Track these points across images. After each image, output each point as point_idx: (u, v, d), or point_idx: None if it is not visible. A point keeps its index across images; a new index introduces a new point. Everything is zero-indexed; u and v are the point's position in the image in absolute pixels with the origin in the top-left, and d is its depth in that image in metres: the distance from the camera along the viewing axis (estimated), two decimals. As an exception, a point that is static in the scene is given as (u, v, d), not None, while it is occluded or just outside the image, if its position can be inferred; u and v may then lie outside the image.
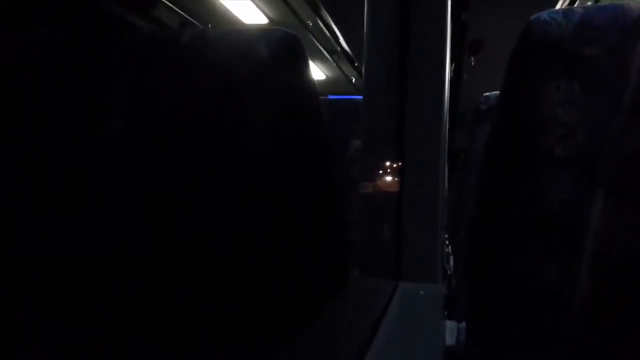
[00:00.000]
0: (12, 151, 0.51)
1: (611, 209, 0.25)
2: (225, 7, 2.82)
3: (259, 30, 0.60)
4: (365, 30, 0.71)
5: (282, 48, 0.56)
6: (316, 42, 3.07)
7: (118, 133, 0.57)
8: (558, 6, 2.41)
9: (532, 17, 0.54)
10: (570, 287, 0.43)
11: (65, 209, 0.52)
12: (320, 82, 3.58)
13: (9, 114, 0.51)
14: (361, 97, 0.78)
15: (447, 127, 0.71)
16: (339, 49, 3.21)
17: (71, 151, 0.55)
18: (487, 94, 1.11)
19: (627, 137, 0.24)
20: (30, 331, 0.44)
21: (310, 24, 2.86)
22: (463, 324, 0.69)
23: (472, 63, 2.86)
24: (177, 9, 2.47)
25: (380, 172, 0.68)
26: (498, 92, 0.62)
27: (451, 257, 1.36)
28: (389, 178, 0.66)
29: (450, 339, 0.70)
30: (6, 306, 0.43)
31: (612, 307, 0.25)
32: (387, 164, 0.68)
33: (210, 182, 0.56)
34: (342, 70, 3.74)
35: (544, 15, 0.54)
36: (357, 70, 3.66)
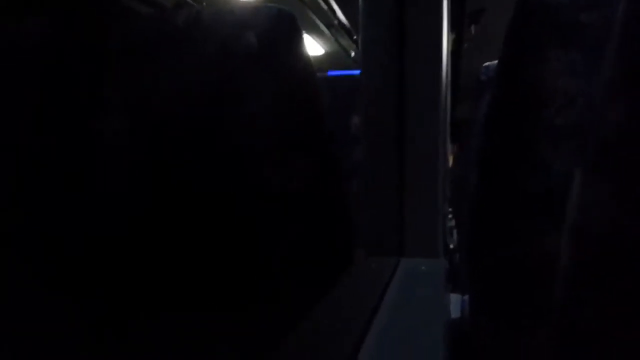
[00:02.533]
0: (10, 144, 0.51)
1: (587, 184, 0.25)
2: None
3: (254, 9, 0.59)
4: (360, 1, 0.70)
5: (277, 27, 0.55)
6: (313, 16, 3.02)
7: (116, 118, 0.57)
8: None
9: None
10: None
11: (67, 204, 0.52)
12: (319, 58, 3.53)
13: (4, 107, 0.51)
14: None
15: (449, 99, 0.70)
16: (336, 22, 3.16)
17: (70, 142, 0.54)
18: (487, 64, 1.09)
19: (606, 114, 0.24)
20: (32, 328, 0.44)
21: (307, -3, 2.81)
22: (467, 297, 0.69)
23: (473, 32, 2.81)
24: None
25: (380, 148, 0.68)
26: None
27: (455, 230, 1.37)
28: (390, 154, 0.66)
29: (454, 312, 0.70)
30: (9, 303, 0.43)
31: (605, 283, 0.25)
32: (388, 139, 0.67)
33: (212, 166, 0.56)
34: (340, 44, 3.69)
35: (542, -18, 0.52)
36: (356, 43, 3.59)
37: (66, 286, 0.49)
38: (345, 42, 3.72)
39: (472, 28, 2.79)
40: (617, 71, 0.23)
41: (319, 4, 2.78)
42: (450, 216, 1.37)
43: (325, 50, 3.87)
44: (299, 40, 0.58)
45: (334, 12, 2.93)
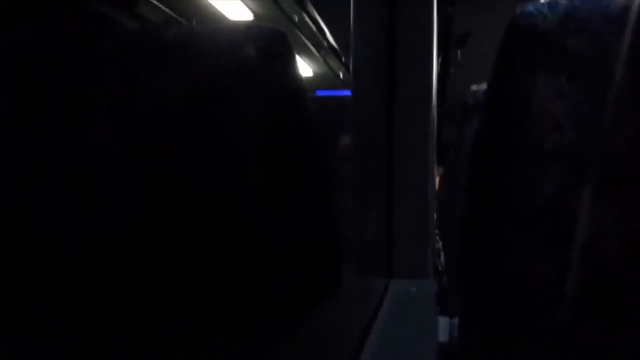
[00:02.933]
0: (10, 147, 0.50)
1: (600, 205, 0.25)
2: (209, 2, 2.79)
3: (246, 27, 0.59)
4: (352, 25, 0.71)
5: (270, 46, 0.56)
6: (303, 37, 3.06)
7: (102, 133, 0.56)
8: (542, -2, 2.41)
9: (518, 10, 0.54)
10: (561, 280, 0.43)
11: (55, 211, 0.51)
12: (308, 78, 3.56)
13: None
14: (349, 92, 0.78)
15: (436, 122, 0.71)
16: (325, 44, 3.20)
17: (55, 152, 0.53)
18: (474, 87, 1.11)
19: (615, 135, 0.24)
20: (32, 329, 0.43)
21: (297, 18, 2.84)
22: (455, 320, 0.69)
23: (459, 56, 2.87)
24: (159, 5, 2.44)
25: (370, 169, 0.68)
26: (485, 85, 0.62)
27: (442, 252, 1.37)
28: (379, 175, 0.66)
29: (442, 335, 0.70)
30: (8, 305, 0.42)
31: (604, 301, 0.25)
32: (377, 160, 0.67)
33: (197, 181, 0.55)
34: (329, 66, 3.73)
35: (530, 7, 0.54)
36: (345, 65, 3.65)
37: (64, 287, 0.48)
38: (334, 63, 3.77)
39: (459, 52, 2.84)
40: (624, 95, 0.24)
41: (308, 25, 2.82)
42: (437, 238, 1.37)
43: (314, 71, 3.91)
44: (292, 58, 0.59)
45: (323, 33, 2.97)
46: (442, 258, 1.31)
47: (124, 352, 0.48)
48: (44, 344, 0.44)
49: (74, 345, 0.46)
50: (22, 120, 0.52)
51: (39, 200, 0.51)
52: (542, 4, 0.54)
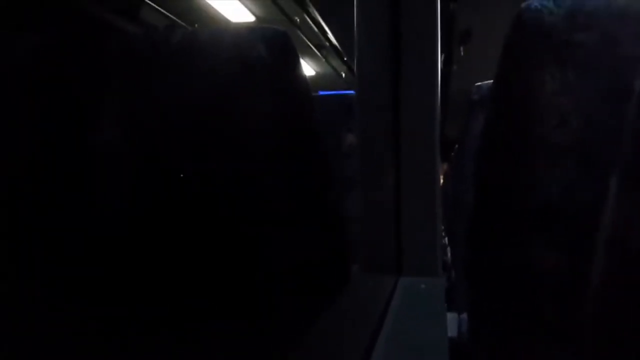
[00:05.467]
0: (9, 155, 0.50)
1: (628, 195, 0.25)
2: (210, 5, 2.81)
3: (249, 29, 0.59)
4: (355, 24, 0.71)
5: (273, 46, 0.56)
6: (304, 38, 3.06)
7: (110, 137, 0.57)
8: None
9: (523, 5, 0.54)
10: (573, 276, 0.43)
11: (62, 213, 0.51)
12: (311, 78, 3.57)
13: (4, 118, 0.50)
14: (352, 91, 0.77)
15: (440, 119, 0.71)
16: (327, 43, 3.21)
17: (63, 156, 0.54)
18: (479, 83, 1.11)
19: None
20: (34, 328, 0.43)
21: (298, 19, 2.85)
22: (464, 315, 0.69)
23: (462, 53, 2.86)
24: (162, 10, 2.45)
25: (377, 167, 0.68)
26: (490, 81, 0.62)
27: (448, 248, 1.37)
28: (385, 172, 0.66)
29: (451, 331, 0.70)
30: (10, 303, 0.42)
31: (628, 294, 0.25)
32: (383, 157, 0.67)
33: (206, 182, 0.55)
34: (331, 65, 3.73)
35: (535, 2, 0.54)
36: (347, 64, 3.65)
37: (68, 291, 0.48)
38: (336, 63, 3.76)
39: (461, 49, 2.84)
40: None
41: (310, 25, 2.82)
42: (443, 234, 1.37)
43: (316, 71, 3.92)
44: (295, 58, 0.59)
45: (325, 34, 2.97)
46: (449, 254, 1.31)
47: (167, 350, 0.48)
48: (56, 344, 0.44)
49: (102, 345, 0.46)
50: (42, 123, 0.52)
51: (50, 200, 0.51)
52: None
